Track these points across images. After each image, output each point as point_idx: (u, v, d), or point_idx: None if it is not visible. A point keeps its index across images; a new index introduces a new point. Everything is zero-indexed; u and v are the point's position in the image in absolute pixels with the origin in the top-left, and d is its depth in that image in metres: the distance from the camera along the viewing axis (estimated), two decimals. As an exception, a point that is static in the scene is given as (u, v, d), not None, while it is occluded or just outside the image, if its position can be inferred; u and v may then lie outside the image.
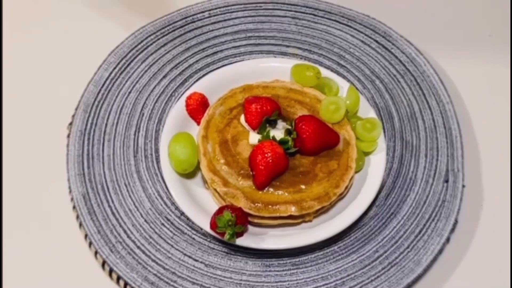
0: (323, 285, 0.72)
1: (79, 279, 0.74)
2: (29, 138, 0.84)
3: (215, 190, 0.74)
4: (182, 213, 0.76)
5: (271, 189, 0.73)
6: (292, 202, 0.72)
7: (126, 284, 0.72)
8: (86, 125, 0.82)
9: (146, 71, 0.88)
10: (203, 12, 0.93)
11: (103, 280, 0.74)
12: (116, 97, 0.85)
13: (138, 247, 0.74)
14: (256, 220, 0.73)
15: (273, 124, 0.77)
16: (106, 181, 0.78)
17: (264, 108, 0.76)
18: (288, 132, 0.76)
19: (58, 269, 0.74)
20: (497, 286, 0.75)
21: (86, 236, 0.75)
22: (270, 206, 0.72)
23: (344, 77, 0.87)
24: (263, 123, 0.76)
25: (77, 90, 0.85)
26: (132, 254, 0.73)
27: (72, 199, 0.77)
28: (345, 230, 0.74)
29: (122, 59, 0.88)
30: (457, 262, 0.75)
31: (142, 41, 0.90)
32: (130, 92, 0.86)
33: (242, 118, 0.78)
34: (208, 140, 0.77)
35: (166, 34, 0.91)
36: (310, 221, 0.75)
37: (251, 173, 0.74)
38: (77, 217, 0.76)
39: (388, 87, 0.87)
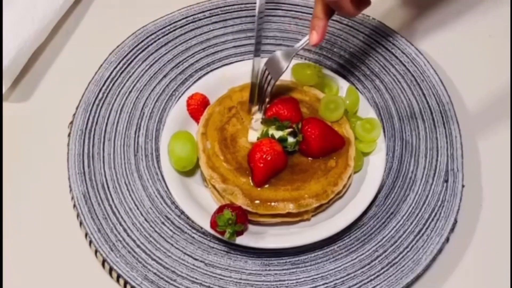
0: (323, 284, 0.72)
1: (79, 278, 0.74)
2: (30, 137, 0.84)
3: (214, 187, 0.75)
4: (182, 212, 0.76)
5: (269, 187, 0.74)
6: (290, 199, 0.73)
7: (126, 282, 0.72)
8: (87, 124, 0.83)
9: (146, 70, 0.88)
10: (203, 12, 0.93)
11: (103, 279, 0.74)
12: (117, 96, 0.85)
13: (138, 246, 0.74)
14: (254, 218, 0.73)
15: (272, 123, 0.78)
16: (106, 180, 0.79)
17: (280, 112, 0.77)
18: (293, 134, 0.76)
19: (58, 267, 0.74)
20: (496, 286, 0.74)
21: (86, 234, 0.75)
22: (268, 203, 0.72)
23: (344, 77, 0.87)
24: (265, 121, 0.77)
25: (78, 89, 0.85)
26: (132, 253, 0.73)
27: (72, 198, 0.77)
28: (344, 229, 0.74)
29: (123, 59, 0.88)
30: (457, 262, 0.75)
31: (143, 41, 0.90)
32: (130, 91, 0.86)
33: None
34: (207, 137, 0.77)
35: (167, 34, 0.91)
36: (308, 219, 0.75)
37: (249, 170, 0.74)
38: (77, 215, 0.76)
39: (388, 87, 0.87)
